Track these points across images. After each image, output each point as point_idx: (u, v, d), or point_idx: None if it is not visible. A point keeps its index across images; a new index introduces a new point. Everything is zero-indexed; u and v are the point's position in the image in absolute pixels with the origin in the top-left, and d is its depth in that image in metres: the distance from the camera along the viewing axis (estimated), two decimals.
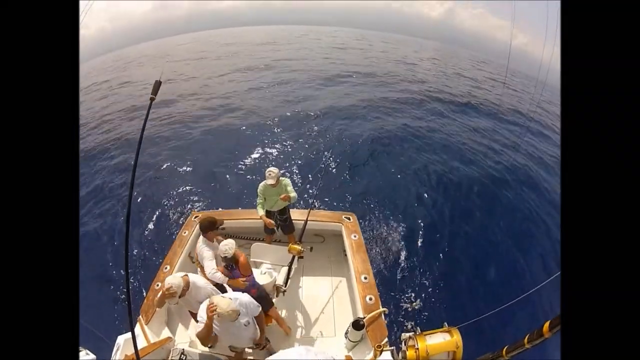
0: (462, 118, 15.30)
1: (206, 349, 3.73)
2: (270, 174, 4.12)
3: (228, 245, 3.28)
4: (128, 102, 18.57)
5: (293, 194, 4.30)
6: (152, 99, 1.85)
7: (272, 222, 4.42)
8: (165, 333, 3.72)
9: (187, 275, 3.18)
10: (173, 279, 3.06)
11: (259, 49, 40.41)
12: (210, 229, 3.60)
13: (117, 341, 3.23)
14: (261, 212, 4.37)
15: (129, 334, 3.27)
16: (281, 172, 4.41)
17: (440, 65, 37.20)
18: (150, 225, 7.78)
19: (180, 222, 6.75)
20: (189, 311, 3.59)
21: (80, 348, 2.85)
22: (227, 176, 9.69)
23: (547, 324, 1.71)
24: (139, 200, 8.80)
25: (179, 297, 3.10)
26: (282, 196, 4.21)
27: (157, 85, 1.88)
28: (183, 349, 3.36)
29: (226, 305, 2.60)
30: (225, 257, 3.26)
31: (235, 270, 3.37)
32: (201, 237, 3.69)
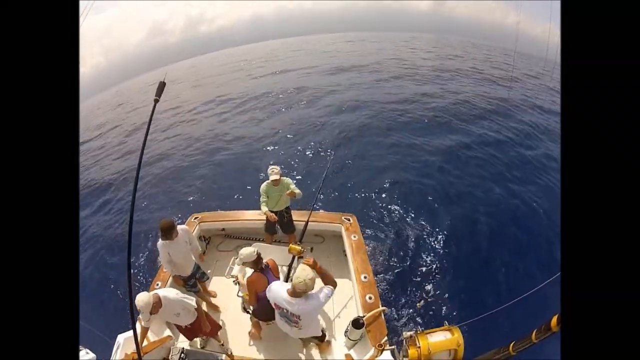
0: (468, 114, 15.24)
1: (207, 348, 3.74)
2: (273, 170, 4.22)
3: (248, 250, 3.22)
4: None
5: (298, 190, 4.38)
6: (156, 101, 1.80)
7: (274, 215, 4.43)
8: (166, 332, 3.73)
9: (156, 293, 3.10)
10: (141, 296, 2.92)
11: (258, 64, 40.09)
12: (167, 234, 3.57)
13: (117, 340, 3.24)
14: (264, 208, 4.40)
15: (128, 333, 3.28)
16: (284, 172, 4.43)
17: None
18: (151, 226, 7.79)
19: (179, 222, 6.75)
20: (175, 325, 3.55)
21: (80, 347, 2.86)
22: (227, 177, 9.71)
23: (555, 318, 1.68)
24: (140, 200, 8.81)
25: (152, 313, 3.01)
26: (288, 192, 4.29)
27: (162, 86, 1.83)
28: (183, 348, 3.37)
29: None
30: (254, 261, 3.23)
31: (268, 272, 3.34)
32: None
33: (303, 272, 2.65)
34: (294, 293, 2.73)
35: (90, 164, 13.20)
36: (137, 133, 16.37)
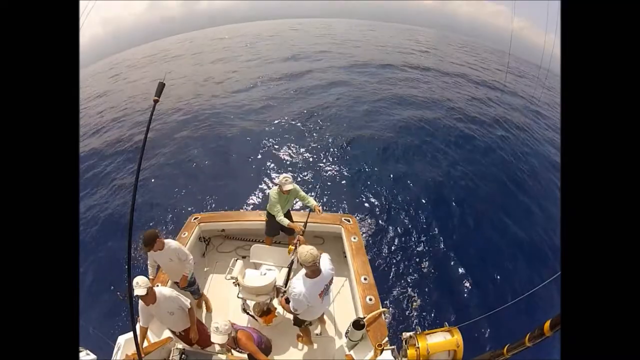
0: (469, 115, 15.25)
1: (206, 349, 3.73)
2: (287, 180, 4.18)
3: (223, 324, 2.94)
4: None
5: (312, 201, 4.37)
6: (155, 101, 1.81)
7: (301, 227, 4.31)
8: (166, 333, 3.72)
9: (152, 287, 3.13)
10: (141, 276, 3.06)
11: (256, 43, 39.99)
12: (146, 244, 3.53)
13: (118, 341, 3.24)
14: (287, 221, 4.30)
15: (129, 334, 3.28)
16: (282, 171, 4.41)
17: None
18: (150, 226, 7.78)
19: (178, 223, 6.75)
20: (170, 331, 3.57)
21: (81, 348, 2.86)
22: (228, 177, 9.70)
23: (547, 323, 1.71)
24: (140, 201, 8.81)
25: (147, 304, 3.09)
26: (318, 207, 4.30)
27: (161, 87, 1.83)
28: (183, 349, 3.36)
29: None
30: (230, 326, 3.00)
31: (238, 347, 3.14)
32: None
33: (304, 249, 2.75)
34: (313, 273, 2.82)
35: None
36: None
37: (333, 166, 9.68)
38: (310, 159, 10.29)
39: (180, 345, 3.58)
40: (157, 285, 3.99)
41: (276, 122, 13.36)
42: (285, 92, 17.34)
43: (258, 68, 23.62)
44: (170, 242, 3.68)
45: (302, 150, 10.97)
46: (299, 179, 9.06)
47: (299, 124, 13.13)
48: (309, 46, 33.60)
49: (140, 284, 2.96)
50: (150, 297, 3.04)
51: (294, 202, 4.80)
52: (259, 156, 10.65)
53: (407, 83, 19.77)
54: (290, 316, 4.10)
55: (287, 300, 3.28)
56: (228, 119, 14.31)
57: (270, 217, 4.54)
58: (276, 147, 11.24)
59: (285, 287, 3.85)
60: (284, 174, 4.28)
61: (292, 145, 11.37)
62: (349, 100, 15.71)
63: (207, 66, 27.40)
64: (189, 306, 3.36)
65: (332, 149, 10.62)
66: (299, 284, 2.89)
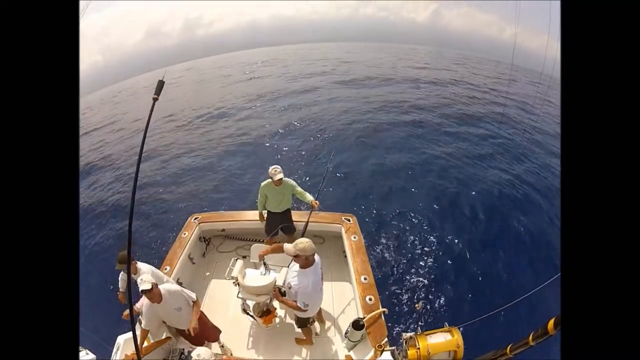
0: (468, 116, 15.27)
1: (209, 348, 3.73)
2: (275, 170, 4.12)
3: (200, 352, 2.64)
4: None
5: (309, 197, 4.32)
6: (155, 99, 1.80)
7: (268, 225, 4.43)
8: (165, 333, 3.72)
9: (157, 284, 3.07)
10: (144, 274, 3.05)
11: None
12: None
13: (117, 341, 3.24)
14: (259, 209, 4.54)
15: (128, 334, 3.28)
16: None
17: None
18: (151, 227, 7.78)
19: (179, 223, 6.74)
20: (178, 331, 3.51)
21: (80, 348, 2.86)
22: (227, 178, 9.72)
23: (551, 322, 1.68)
24: (140, 201, 8.81)
25: (152, 301, 3.04)
26: (315, 202, 4.25)
27: (160, 85, 1.83)
28: (183, 349, 3.36)
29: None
30: None
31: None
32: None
33: (300, 242, 2.79)
34: (312, 262, 2.89)
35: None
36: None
37: (333, 167, 9.68)
38: (310, 161, 10.31)
39: (181, 345, 3.57)
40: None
41: (275, 130, 13.41)
42: (285, 108, 17.41)
43: (258, 91, 23.56)
44: (140, 266, 3.61)
45: (302, 152, 10.99)
46: (299, 179, 9.06)
47: (299, 130, 13.19)
48: (307, 68, 33.66)
49: (144, 280, 2.95)
50: (155, 295, 3.01)
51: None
52: (259, 160, 10.67)
53: (411, 95, 19.80)
54: (290, 319, 4.10)
55: (283, 293, 3.29)
56: (229, 133, 14.32)
57: (269, 216, 4.54)
58: (276, 151, 11.28)
59: (284, 288, 3.85)
60: (274, 166, 4.19)
61: (292, 148, 11.40)
62: (350, 111, 15.71)
63: (208, 92, 27.45)
64: (195, 299, 3.32)
65: (332, 152, 10.62)
66: (301, 278, 2.90)
